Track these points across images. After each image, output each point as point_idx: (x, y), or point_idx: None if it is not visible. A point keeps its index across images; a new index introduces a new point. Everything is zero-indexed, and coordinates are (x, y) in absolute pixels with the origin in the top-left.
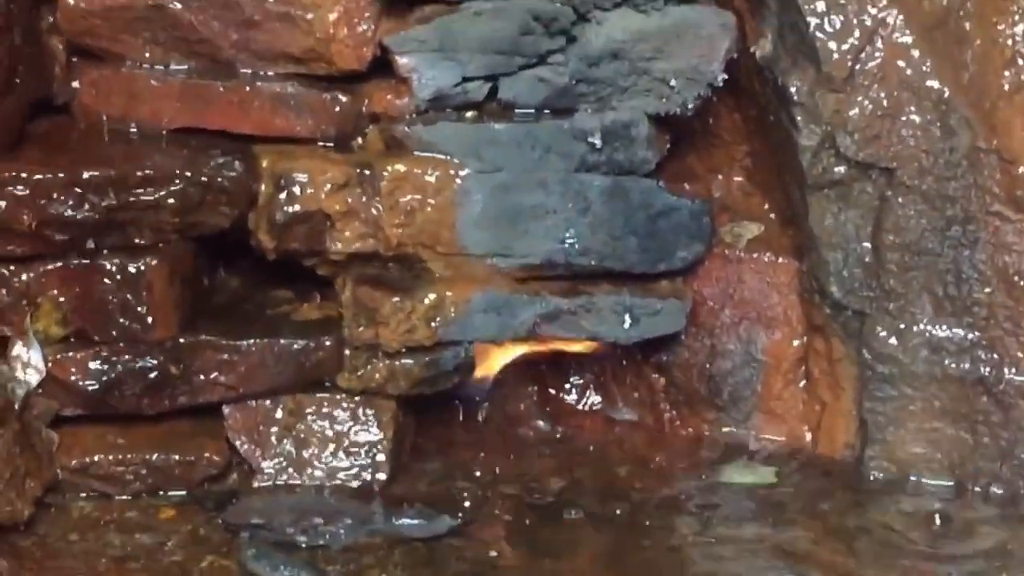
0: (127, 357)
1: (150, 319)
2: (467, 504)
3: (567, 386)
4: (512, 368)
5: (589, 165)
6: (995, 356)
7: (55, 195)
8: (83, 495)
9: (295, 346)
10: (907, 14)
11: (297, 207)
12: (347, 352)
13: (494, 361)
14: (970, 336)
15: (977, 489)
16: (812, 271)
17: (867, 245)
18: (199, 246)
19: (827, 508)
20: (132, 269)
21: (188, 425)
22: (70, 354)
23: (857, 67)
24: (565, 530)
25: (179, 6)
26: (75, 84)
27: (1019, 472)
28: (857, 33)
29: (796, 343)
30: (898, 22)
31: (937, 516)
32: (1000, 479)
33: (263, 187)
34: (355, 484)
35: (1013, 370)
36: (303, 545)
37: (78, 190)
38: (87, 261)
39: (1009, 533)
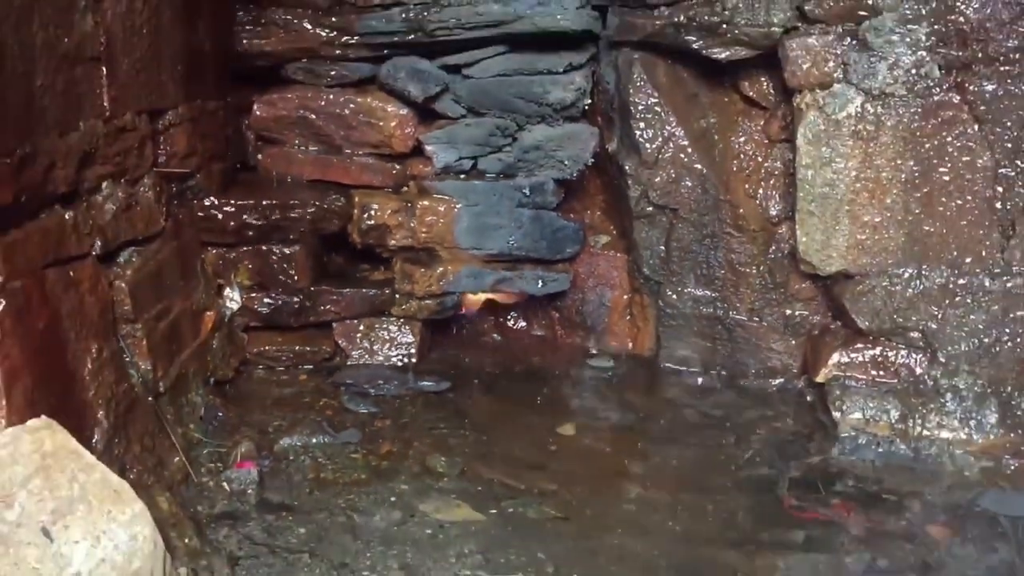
0: (281, 297)
1: (295, 276)
2: (455, 376)
3: (509, 317)
4: (481, 308)
5: (523, 204)
6: (725, 305)
7: (246, 213)
8: (259, 368)
9: (371, 292)
10: (685, 129)
11: (372, 222)
12: (397, 296)
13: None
14: (713, 295)
15: (714, 374)
16: (634, 260)
17: (662, 247)
18: (322, 240)
19: (638, 381)
20: (286, 250)
21: (313, 329)
22: (252, 295)
23: (659, 157)
24: (506, 389)
25: (313, 117)
26: (260, 156)
27: (736, 366)
28: (660, 139)
29: (626, 297)
30: (680, 133)
31: (695, 387)
32: (726, 369)
33: (355, 211)
34: (399, 363)
35: (734, 312)
36: (372, 393)
37: (259, 210)
38: (264, 247)
39: (730, 395)
